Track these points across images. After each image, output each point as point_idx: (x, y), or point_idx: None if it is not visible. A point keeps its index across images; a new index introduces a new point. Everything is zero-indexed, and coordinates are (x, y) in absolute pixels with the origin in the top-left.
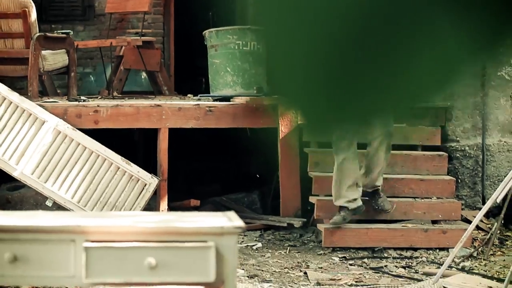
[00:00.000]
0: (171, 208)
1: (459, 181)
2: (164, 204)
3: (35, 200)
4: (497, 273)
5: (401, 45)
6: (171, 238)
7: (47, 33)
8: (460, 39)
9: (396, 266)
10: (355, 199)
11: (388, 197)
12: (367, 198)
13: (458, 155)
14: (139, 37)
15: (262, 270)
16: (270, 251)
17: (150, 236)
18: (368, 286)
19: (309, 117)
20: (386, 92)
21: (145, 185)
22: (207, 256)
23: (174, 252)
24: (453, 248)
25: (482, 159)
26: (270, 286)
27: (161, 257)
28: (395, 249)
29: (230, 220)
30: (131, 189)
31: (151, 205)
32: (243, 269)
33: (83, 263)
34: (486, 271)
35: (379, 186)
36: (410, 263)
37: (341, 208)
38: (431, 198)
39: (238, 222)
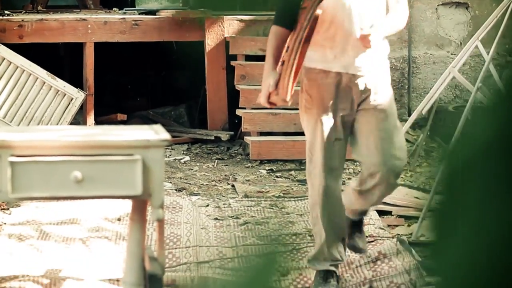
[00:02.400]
0: (97, 122)
1: None
2: (90, 118)
3: None
4: (423, 184)
5: None
6: (97, 152)
7: None
8: None
9: None
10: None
11: None
12: None
13: None
14: None
15: (190, 183)
16: (197, 164)
17: (76, 150)
18: (296, 198)
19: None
20: None
21: (71, 99)
22: (133, 169)
23: (100, 166)
24: None
25: (408, 71)
26: (198, 199)
27: (87, 171)
28: None
29: (156, 133)
30: (57, 104)
31: (78, 120)
32: (170, 182)
33: (9, 177)
34: (412, 182)
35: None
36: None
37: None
38: None
39: (165, 135)
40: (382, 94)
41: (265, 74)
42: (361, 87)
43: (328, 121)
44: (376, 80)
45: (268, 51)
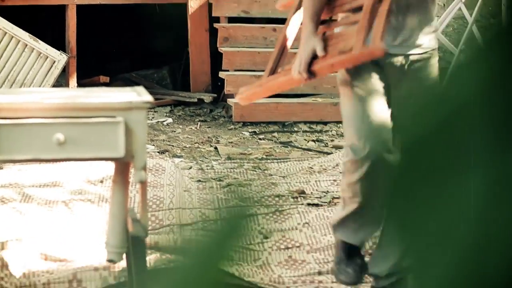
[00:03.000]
0: (80, 85)
1: None
2: (73, 81)
3: None
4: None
5: None
6: (79, 114)
7: None
8: None
9: (306, 140)
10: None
11: None
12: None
13: None
14: None
15: (173, 146)
16: (180, 126)
17: (58, 112)
18: (278, 160)
19: None
20: None
21: (54, 62)
22: (116, 131)
23: (82, 128)
24: None
25: None
26: (181, 161)
27: (70, 133)
28: (305, 122)
29: (139, 95)
30: (40, 67)
31: (60, 82)
32: (153, 144)
33: None
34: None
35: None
36: (319, 137)
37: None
38: None
39: (147, 97)
40: (418, 77)
41: (304, 40)
42: (395, 66)
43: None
44: (414, 60)
45: (306, 15)
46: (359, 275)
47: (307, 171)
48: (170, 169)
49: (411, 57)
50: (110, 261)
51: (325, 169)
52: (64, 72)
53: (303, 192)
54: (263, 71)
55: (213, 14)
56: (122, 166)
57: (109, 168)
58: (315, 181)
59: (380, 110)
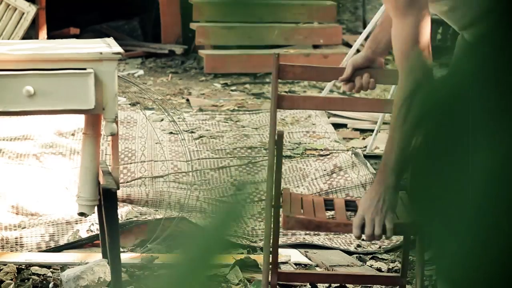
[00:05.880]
0: (50, 37)
1: (340, 5)
2: (43, 33)
3: None
4: (378, 97)
5: None
6: (49, 66)
7: None
8: None
9: (278, 91)
10: None
11: (269, 22)
12: None
13: None
14: None
15: (144, 98)
16: (152, 78)
17: (28, 64)
18: (250, 111)
19: None
20: None
21: (23, 14)
22: (86, 83)
23: (52, 80)
24: None
25: None
26: (152, 113)
27: (40, 85)
28: None
29: (109, 46)
30: (8, 19)
31: (30, 35)
32: (125, 97)
33: None
34: (367, 95)
35: None
36: (291, 88)
37: None
38: (312, 23)
39: (117, 48)
40: None
41: None
42: None
43: None
44: None
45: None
46: None
47: (279, 122)
48: (141, 121)
49: None
50: (81, 214)
51: (298, 121)
52: (34, 24)
53: None
54: (235, 22)
55: None
56: (93, 119)
57: (80, 120)
58: (288, 132)
59: None
